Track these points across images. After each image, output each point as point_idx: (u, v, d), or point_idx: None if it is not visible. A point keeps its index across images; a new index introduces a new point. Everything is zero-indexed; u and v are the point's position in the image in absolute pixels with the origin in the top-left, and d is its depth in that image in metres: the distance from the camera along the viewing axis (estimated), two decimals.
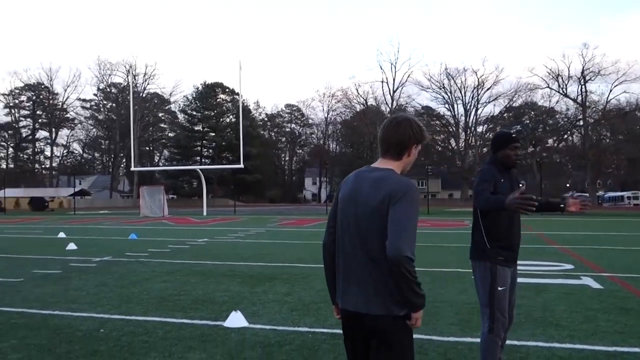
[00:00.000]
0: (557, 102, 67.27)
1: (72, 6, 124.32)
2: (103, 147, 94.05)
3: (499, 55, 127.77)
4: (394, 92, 72.05)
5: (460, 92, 70.45)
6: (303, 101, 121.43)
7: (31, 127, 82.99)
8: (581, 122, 64.68)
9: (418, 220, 2.28)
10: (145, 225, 24.72)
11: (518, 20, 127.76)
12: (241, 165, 38.90)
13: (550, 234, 17.15)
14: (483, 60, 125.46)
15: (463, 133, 72.82)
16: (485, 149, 65.37)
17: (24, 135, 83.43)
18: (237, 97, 77.62)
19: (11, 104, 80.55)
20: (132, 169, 49.42)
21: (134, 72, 73.68)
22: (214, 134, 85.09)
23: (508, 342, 4.31)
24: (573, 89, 76.38)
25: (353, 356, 2.43)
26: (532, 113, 73.03)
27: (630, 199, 60.27)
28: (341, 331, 2.47)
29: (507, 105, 70.93)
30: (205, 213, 37.46)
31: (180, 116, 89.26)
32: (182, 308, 6.43)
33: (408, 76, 71.48)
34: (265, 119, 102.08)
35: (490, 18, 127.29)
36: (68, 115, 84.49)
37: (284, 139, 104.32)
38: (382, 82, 72.57)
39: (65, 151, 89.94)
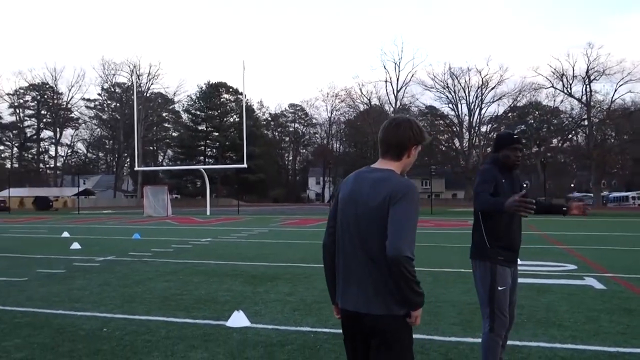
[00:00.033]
0: (562, 101, 67.06)
1: (76, 6, 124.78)
2: (107, 146, 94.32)
3: (503, 55, 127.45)
4: (397, 91, 72.08)
5: (464, 92, 70.28)
6: (307, 101, 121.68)
7: (36, 126, 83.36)
8: (586, 122, 64.41)
9: (418, 220, 2.28)
10: (148, 225, 24.79)
11: (522, 19, 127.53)
12: (245, 165, 38.97)
13: (554, 234, 17.11)
14: (487, 59, 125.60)
15: (467, 133, 72.65)
16: (489, 149, 65.20)
17: (28, 135, 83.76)
18: (240, 96, 77.67)
19: (16, 104, 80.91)
20: (136, 168, 49.58)
21: (138, 72, 73.83)
22: (217, 133, 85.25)
23: (510, 342, 4.31)
24: (578, 88, 76.29)
25: (353, 356, 2.44)
26: (537, 113, 72.73)
27: (635, 199, 60.03)
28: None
29: (511, 105, 70.72)
30: (208, 213, 37.53)
31: (184, 116, 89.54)
32: (184, 307, 6.45)
33: (412, 76, 71.49)
34: (269, 118, 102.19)
35: (494, 17, 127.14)
36: (72, 115, 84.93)
37: (287, 139, 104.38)
38: (386, 81, 72.62)
39: (69, 151, 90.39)
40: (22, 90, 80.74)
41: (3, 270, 9.78)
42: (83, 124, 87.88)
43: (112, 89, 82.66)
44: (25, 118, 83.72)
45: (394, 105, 71.78)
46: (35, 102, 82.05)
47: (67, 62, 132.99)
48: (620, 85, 61.31)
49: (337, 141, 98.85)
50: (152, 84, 77.68)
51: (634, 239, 15.57)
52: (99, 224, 25.80)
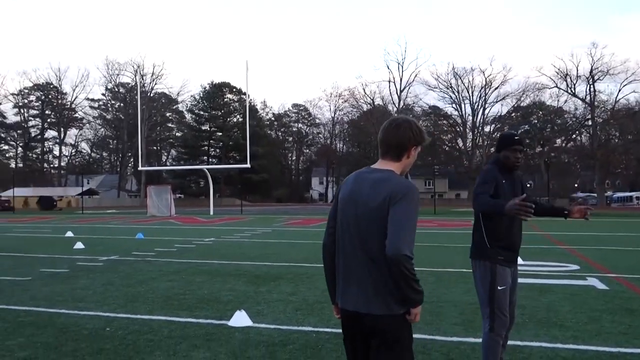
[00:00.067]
0: (566, 101, 66.84)
1: (80, 7, 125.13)
2: (111, 146, 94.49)
3: (506, 55, 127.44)
4: (401, 91, 71.91)
5: (468, 92, 70.11)
6: (310, 101, 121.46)
7: (40, 126, 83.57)
8: (590, 122, 64.20)
9: (417, 220, 2.30)
10: (152, 225, 24.85)
11: (526, 19, 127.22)
12: (248, 165, 38.97)
13: (557, 235, 17.08)
14: (491, 59, 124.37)
15: (470, 133, 72.47)
16: (492, 149, 64.98)
17: (32, 135, 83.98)
18: (244, 96, 77.67)
19: (20, 104, 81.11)
20: (140, 168, 49.63)
21: (141, 72, 74.03)
22: (221, 133, 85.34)
23: (511, 342, 4.32)
24: (581, 88, 75.83)
25: (353, 356, 2.45)
26: (540, 113, 72.52)
27: (639, 199, 59.80)
28: None
29: (515, 105, 70.49)
30: (212, 212, 37.58)
31: (188, 116, 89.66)
32: (187, 307, 6.47)
33: (415, 76, 71.30)
34: (272, 118, 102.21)
35: (498, 17, 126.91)
36: (76, 115, 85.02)
37: (291, 139, 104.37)
38: (389, 81, 72.41)
39: (73, 151, 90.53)
40: (26, 90, 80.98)
41: (7, 269, 9.84)
42: (87, 124, 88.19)
43: (116, 89, 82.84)
44: (30, 118, 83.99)
45: (397, 105, 71.68)
46: (40, 102, 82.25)
47: (71, 62, 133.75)
48: (624, 85, 61.16)
49: (340, 141, 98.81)
50: (155, 84, 77.94)
51: (638, 239, 15.52)
52: (102, 224, 25.88)
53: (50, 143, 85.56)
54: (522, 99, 69.00)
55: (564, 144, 73.42)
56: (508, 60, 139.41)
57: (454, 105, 71.95)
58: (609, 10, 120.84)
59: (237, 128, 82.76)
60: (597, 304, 6.52)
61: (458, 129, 73.88)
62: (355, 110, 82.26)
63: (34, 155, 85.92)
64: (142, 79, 73.49)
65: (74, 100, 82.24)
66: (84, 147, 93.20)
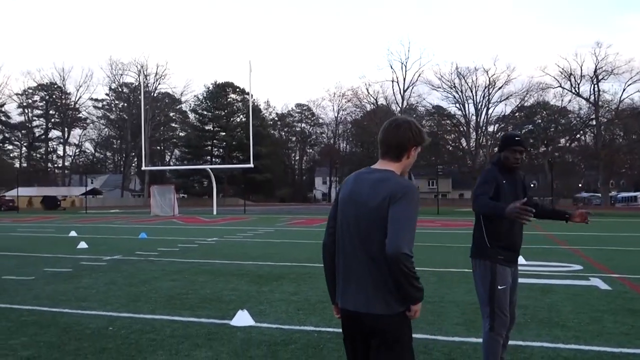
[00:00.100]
0: (570, 101, 66.62)
1: (84, 7, 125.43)
2: (115, 146, 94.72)
3: (510, 55, 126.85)
4: (404, 91, 71.79)
5: (471, 92, 69.93)
6: (313, 101, 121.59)
7: (44, 126, 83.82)
8: (594, 122, 64.01)
9: (419, 220, 2.31)
10: (155, 224, 24.90)
11: (530, 19, 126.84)
12: (251, 165, 39.01)
13: (560, 235, 17.04)
14: (494, 59, 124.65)
15: (474, 133, 72.30)
16: (496, 149, 64.67)
17: (37, 135, 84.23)
18: (247, 96, 77.66)
19: (24, 104, 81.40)
20: (143, 168, 49.73)
21: (145, 72, 74.05)
22: (224, 133, 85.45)
23: (512, 342, 4.33)
24: (586, 88, 75.78)
25: (353, 356, 2.46)
26: (544, 112, 72.30)
27: None
28: None
29: (519, 105, 70.31)
30: (215, 212, 37.63)
31: (191, 116, 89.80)
32: (189, 306, 6.49)
33: (419, 75, 71.13)
34: (276, 118, 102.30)
35: (501, 17, 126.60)
36: (80, 115, 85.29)
37: (294, 139, 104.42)
38: (393, 81, 72.30)
39: (77, 150, 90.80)
40: (30, 90, 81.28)
41: (11, 268, 9.88)
42: (91, 124, 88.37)
43: (120, 89, 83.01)
44: (34, 118, 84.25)
45: (400, 105, 71.57)
46: (44, 102, 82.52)
47: (75, 62, 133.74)
48: (628, 85, 60.98)
49: (343, 141, 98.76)
50: (159, 84, 77.94)
51: None
52: (106, 224, 25.95)
53: (54, 143, 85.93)
54: (526, 98, 68.83)
55: (568, 144, 73.21)
56: (512, 60, 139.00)
57: (457, 105, 71.80)
58: (613, 9, 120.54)
59: (241, 128, 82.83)
60: (599, 304, 6.51)
61: (462, 129, 73.77)
62: (359, 110, 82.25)
63: (38, 155, 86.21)
64: (146, 79, 73.52)
65: (78, 100, 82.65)
66: (88, 147, 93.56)
